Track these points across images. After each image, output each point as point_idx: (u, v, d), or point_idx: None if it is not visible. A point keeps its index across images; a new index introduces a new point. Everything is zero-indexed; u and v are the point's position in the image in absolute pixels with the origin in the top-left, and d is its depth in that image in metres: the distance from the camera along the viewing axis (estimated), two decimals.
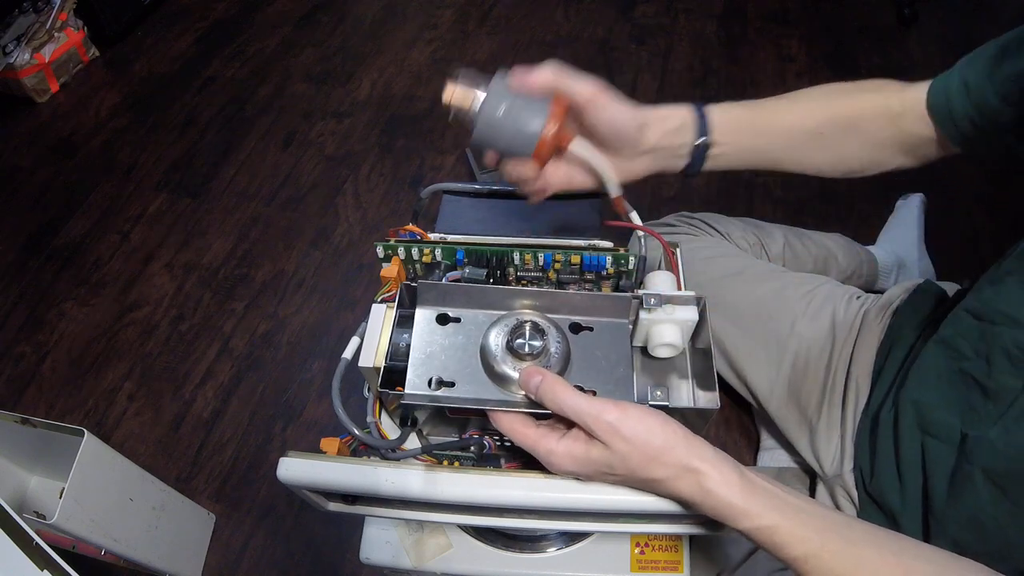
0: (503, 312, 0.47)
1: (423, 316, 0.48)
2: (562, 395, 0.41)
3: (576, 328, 0.47)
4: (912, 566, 0.40)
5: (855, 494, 0.70)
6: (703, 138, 0.54)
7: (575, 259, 0.53)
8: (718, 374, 0.85)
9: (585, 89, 0.48)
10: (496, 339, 0.45)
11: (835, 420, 0.74)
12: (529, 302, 0.47)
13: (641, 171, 0.54)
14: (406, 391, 0.44)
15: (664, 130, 0.53)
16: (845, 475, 0.71)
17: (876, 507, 0.66)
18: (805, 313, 0.80)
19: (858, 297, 0.81)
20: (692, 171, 0.56)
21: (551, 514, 0.50)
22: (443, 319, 0.48)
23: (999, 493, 0.53)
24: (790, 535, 0.39)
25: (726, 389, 0.90)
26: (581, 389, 0.43)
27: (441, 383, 0.45)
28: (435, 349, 0.46)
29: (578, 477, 0.43)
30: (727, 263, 0.88)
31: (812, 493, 0.78)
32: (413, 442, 0.49)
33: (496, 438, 0.49)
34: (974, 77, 0.54)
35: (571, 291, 0.49)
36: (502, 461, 0.50)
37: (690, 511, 0.42)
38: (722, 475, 0.39)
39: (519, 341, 0.44)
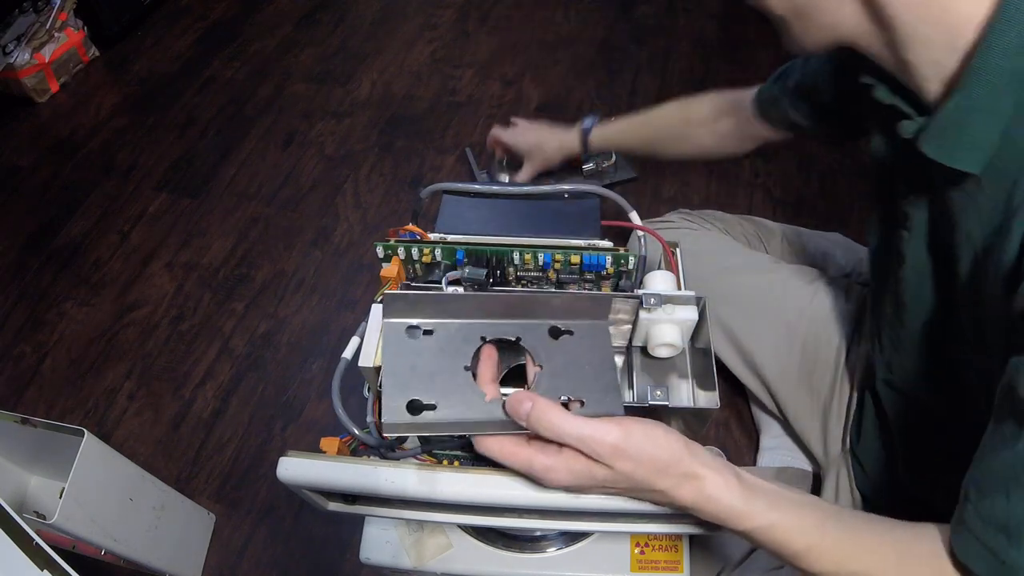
0: (478, 321, 0.45)
1: (392, 330, 0.44)
2: (559, 421, 0.38)
3: (556, 332, 0.45)
4: (907, 544, 0.41)
5: (854, 473, 0.72)
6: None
7: (575, 259, 0.53)
8: (726, 364, 0.86)
9: None
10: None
11: (845, 399, 0.75)
12: (505, 308, 0.45)
13: None
14: (383, 421, 0.41)
15: None
16: (846, 450, 0.73)
17: (860, 468, 0.70)
18: (812, 300, 0.81)
19: (862, 288, 0.82)
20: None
21: (551, 514, 0.50)
22: (414, 332, 0.45)
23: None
24: (791, 530, 0.39)
25: (728, 387, 0.90)
26: (568, 400, 0.42)
27: (421, 406, 0.41)
28: (410, 366, 0.43)
29: (575, 490, 0.41)
30: (730, 255, 0.89)
31: (814, 493, 0.79)
32: (413, 442, 0.49)
33: None
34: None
35: (547, 294, 0.49)
36: None
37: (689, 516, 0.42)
38: (723, 479, 0.39)
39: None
